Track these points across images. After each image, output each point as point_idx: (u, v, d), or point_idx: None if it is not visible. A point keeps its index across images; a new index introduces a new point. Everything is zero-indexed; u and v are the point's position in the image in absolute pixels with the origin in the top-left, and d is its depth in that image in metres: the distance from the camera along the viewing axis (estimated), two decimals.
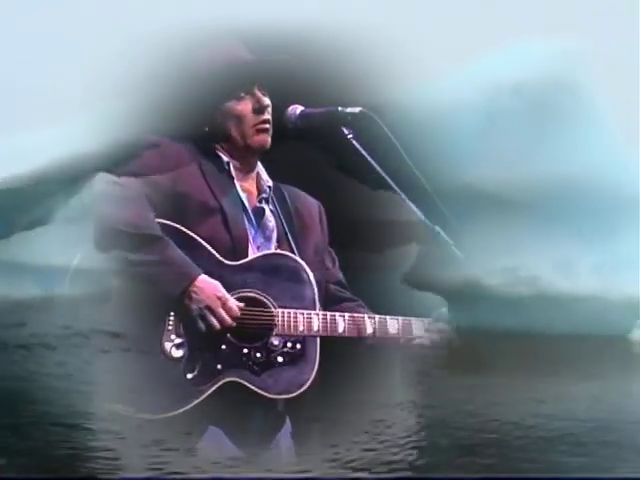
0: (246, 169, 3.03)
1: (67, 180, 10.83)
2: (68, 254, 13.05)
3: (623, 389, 8.08)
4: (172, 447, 2.78)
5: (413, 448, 4.69)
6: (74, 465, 4.17)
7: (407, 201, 2.91)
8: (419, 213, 2.90)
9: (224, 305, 2.80)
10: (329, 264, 3.13)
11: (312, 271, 2.96)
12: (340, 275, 3.16)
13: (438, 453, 4.71)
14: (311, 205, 3.15)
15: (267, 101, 3.00)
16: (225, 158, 3.02)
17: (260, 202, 3.03)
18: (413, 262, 11.55)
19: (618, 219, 11.08)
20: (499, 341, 8.95)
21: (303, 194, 3.16)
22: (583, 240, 11.09)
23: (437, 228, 2.89)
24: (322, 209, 3.17)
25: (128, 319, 2.83)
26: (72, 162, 10.54)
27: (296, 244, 3.01)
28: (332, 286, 3.11)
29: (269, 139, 3.01)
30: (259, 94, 2.99)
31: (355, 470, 3.46)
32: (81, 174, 12.09)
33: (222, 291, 2.81)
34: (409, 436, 5.07)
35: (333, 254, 3.17)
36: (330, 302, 3.05)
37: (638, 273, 11.21)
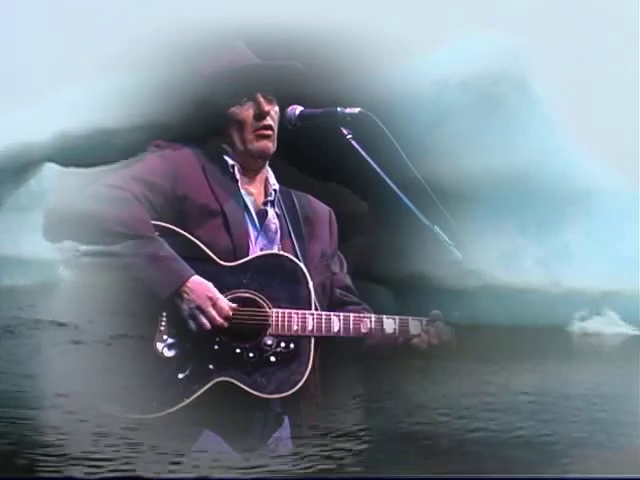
0: (251, 172, 3.03)
1: (15, 169, 10.74)
2: (15, 243, 12.93)
3: (564, 380, 8.24)
4: (165, 447, 2.80)
5: (362, 442, 4.74)
6: (14, 461, 4.15)
7: (405, 200, 2.93)
8: (417, 212, 2.91)
9: (214, 305, 2.81)
10: (336, 269, 3.13)
11: (317, 275, 2.97)
12: (347, 280, 3.15)
13: (387, 448, 4.75)
14: (321, 211, 3.15)
15: (268, 107, 2.99)
16: (230, 161, 3.01)
17: (265, 204, 3.03)
18: (361, 254, 11.64)
19: (562, 214, 11.27)
20: None
21: (314, 200, 3.16)
22: (527, 234, 11.27)
23: (436, 228, 2.91)
24: (333, 216, 3.16)
25: (120, 318, 2.85)
26: (21, 151, 10.47)
27: (301, 247, 3.00)
28: (338, 291, 3.11)
29: (270, 144, 2.99)
30: (261, 99, 2.99)
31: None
32: (29, 163, 12.01)
33: (213, 291, 2.81)
34: (357, 430, 5.12)
35: (342, 259, 3.16)
36: (335, 306, 3.04)
37: (578, 267, 11.42)
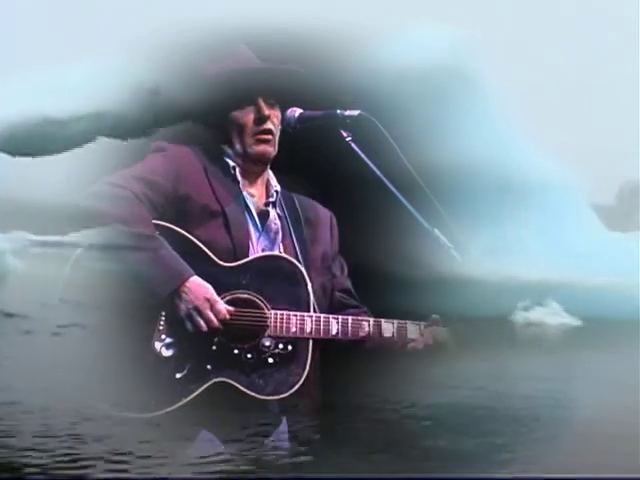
0: (253, 175, 3.08)
1: None
2: None
3: (509, 372, 8.33)
4: (162, 446, 2.79)
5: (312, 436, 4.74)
6: None
7: (405, 202, 2.96)
8: (417, 214, 2.95)
9: (212, 307, 2.83)
10: (337, 272, 3.18)
11: (318, 277, 3.03)
12: (348, 283, 3.21)
13: (336, 445, 4.76)
14: (323, 214, 3.22)
15: (268, 111, 3.02)
16: (231, 163, 3.05)
17: (266, 205, 3.07)
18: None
19: (505, 204, 11.40)
20: None
21: (315, 204, 3.22)
22: (471, 224, 11.40)
23: (436, 231, 2.95)
24: (334, 220, 3.23)
25: (118, 317, 2.84)
26: None
27: (302, 249, 3.05)
28: (338, 294, 3.17)
29: (270, 149, 3.05)
30: (261, 104, 3.02)
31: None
32: None
33: (212, 293, 2.84)
34: (307, 425, 5.11)
35: (343, 262, 3.22)
36: (335, 309, 3.09)
37: (524, 258, 11.58)
